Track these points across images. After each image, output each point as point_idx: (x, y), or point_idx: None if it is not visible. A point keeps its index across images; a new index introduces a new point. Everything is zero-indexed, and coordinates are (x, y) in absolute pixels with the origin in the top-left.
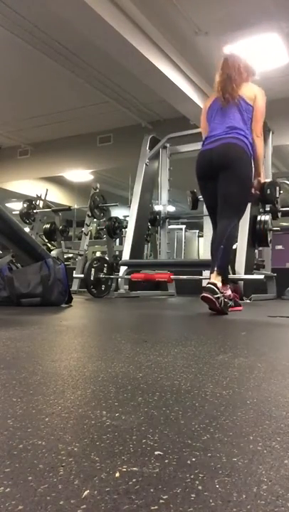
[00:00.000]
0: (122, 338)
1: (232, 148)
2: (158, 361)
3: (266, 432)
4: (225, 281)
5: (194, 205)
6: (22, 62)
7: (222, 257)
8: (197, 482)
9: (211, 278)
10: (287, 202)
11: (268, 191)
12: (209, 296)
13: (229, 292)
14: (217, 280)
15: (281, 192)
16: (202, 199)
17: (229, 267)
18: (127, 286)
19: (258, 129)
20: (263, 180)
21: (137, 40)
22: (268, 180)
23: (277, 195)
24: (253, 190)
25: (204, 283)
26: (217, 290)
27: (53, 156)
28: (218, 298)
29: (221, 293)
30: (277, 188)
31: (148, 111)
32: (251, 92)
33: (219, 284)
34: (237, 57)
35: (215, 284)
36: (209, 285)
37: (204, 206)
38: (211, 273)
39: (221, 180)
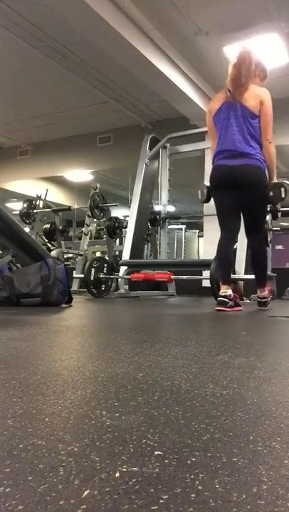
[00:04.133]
0: (122, 338)
1: (254, 172)
2: (158, 361)
3: (266, 431)
4: (265, 285)
5: (208, 198)
6: (22, 62)
7: (262, 273)
8: (197, 482)
9: (258, 292)
10: (287, 202)
11: (271, 193)
12: (265, 307)
13: (266, 292)
14: (263, 291)
15: (283, 196)
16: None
17: (230, 267)
18: (127, 286)
19: (268, 134)
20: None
21: (137, 40)
22: (274, 181)
23: (283, 196)
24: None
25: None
26: (267, 300)
27: (53, 156)
28: (266, 303)
29: (265, 299)
30: (283, 189)
31: (148, 111)
32: (256, 98)
33: (266, 293)
34: (250, 53)
35: (264, 297)
36: (260, 299)
37: (204, 206)
38: (223, 284)
39: (246, 200)
